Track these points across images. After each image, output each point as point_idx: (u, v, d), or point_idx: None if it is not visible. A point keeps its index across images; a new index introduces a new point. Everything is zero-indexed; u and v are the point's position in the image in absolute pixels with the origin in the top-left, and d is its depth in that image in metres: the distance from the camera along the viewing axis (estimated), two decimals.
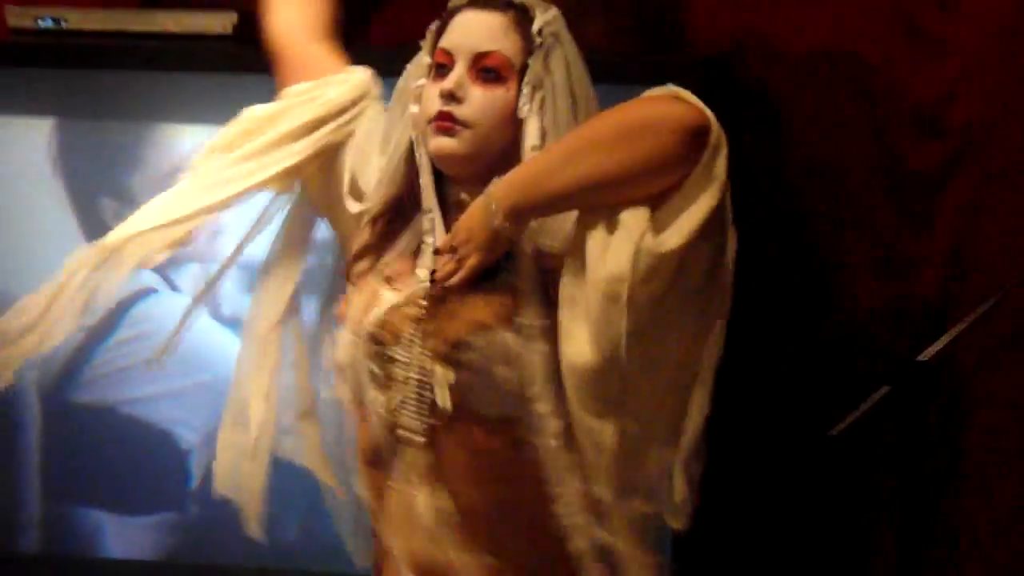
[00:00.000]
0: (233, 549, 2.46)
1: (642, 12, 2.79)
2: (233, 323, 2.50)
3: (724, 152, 1.41)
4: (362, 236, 1.58)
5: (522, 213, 1.42)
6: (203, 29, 2.48)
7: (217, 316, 2.50)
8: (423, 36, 1.64)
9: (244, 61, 2.42)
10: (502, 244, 1.42)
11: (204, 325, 2.45)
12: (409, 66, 1.60)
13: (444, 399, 1.47)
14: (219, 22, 2.46)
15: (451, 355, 1.46)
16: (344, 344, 1.54)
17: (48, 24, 2.51)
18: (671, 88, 1.45)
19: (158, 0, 2.71)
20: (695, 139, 1.40)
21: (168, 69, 2.50)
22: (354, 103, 1.65)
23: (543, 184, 1.44)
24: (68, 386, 2.57)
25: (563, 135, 1.49)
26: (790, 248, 2.83)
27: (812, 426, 2.44)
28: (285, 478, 1.70)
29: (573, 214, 1.48)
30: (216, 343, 2.49)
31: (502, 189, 1.43)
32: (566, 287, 1.45)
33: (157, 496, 2.59)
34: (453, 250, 1.43)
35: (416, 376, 1.49)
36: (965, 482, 2.79)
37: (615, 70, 2.36)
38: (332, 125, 1.66)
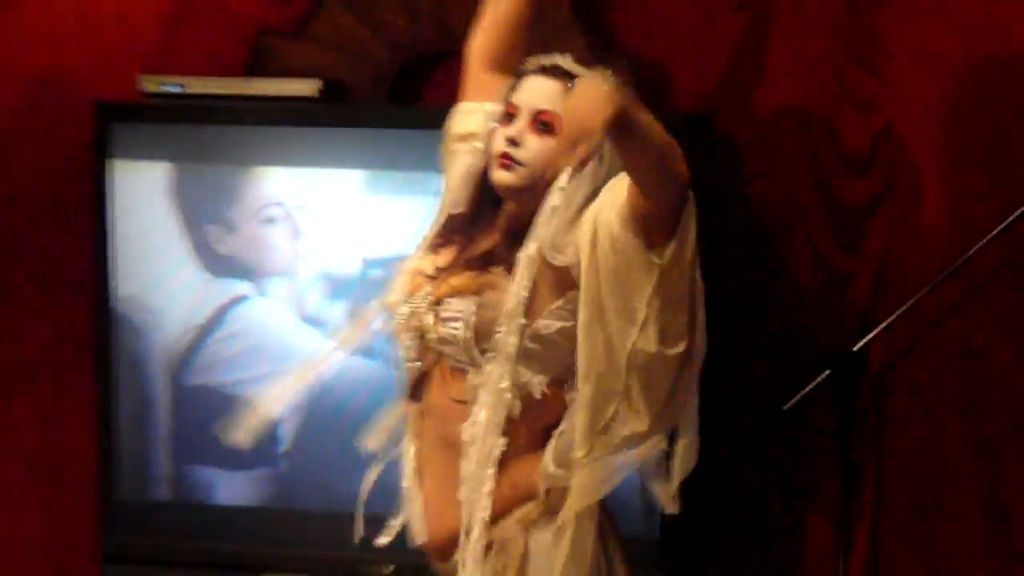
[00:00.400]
0: (314, 496, 2.78)
1: (636, 73, 2.99)
2: (312, 321, 2.77)
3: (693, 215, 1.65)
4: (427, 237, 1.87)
5: (622, 122, 1.49)
6: (294, 92, 2.73)
7: (301, 316, 2.76)
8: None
9: (327, 118, 2.78)
10: (600, 134, 1.50)
11: (289, 324, 2.80)
12: (480, 114, 1.85)
13: (410, 349, 1.81)
14: (308, 87, 2.71)
15: (435, 311, 1.75)
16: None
17: (171, 89, 2.77)
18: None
19: (258, 68, 2.88)
20: (687, 186, 1.62)
21: (265, 124, 2.77)
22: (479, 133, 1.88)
23: (638, 116, 1.53)
24: (186, 371, 2.82)
25: (588, 179, 1.71)
26: (754, 266, 2.97)
27: (772, 403, 2.65)
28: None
29: (581, 248, 1.69)
30: (298, 337, 2.78)
31: (617, 89, 1.53)
32: (584, 305, 1.66)
33: (254, 456, 2.71)
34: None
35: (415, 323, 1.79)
36: (887, 444, 2.92)
37: None
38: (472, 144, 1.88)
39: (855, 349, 2.50)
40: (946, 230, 2.76)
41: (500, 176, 1.71)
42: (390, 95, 2.93)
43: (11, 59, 3.21)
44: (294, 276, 2.82)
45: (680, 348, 1.68)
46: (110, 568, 2.83)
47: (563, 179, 1.69)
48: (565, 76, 1.73)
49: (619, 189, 1.68)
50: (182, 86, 2.74)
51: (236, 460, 2.78)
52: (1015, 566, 3.02)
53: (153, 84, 2.75)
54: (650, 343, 1.66)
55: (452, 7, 2.84)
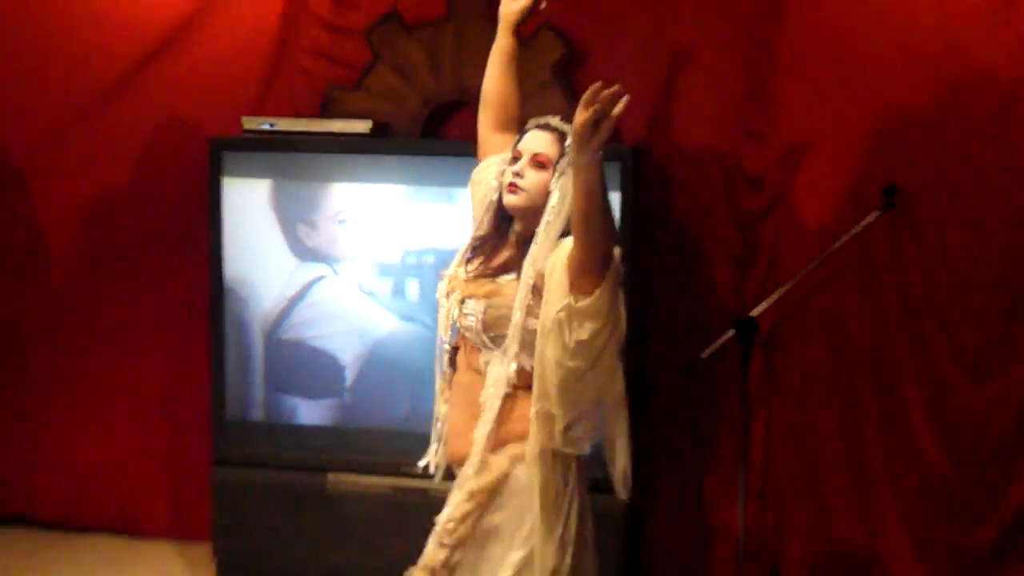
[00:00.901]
0: (368, 418, 3.18)
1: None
2: (368, 294, 3.14)
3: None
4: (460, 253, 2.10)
5: (586, 132, 1.66)
6: (353, 130, 3.11)
7: (361, 291, 3.14)
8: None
9: (376, 148, 3.14)
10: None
11: (353, 296, 3.20)
12: (497, 161, 2.07)
13: (446, 330, 2.04)
14: (362, 126, 3.10)
15: (460, 307, 2.00)
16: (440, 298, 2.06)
17: (266, 126, 3.14)
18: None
19: (327, 112, 3.26)
20: (609, 255, 1.80)
21: (333, 152, 3.15)
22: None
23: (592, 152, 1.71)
24: (278, 329, 3.23)
25: (567, 199, 1.90)
26: (680, 256, 3.35)
27: (692, 354, 3.09)
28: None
29: (557, 268, 1.87)
30: (359, 306, 3.17)
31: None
32: (545, 303, 1.85)
33: (327, 389, 3.24)
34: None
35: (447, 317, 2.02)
36: (775, 384, 3.35)
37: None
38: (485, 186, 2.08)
39: (752, 315, 2.95)
40: (816, 231, 3.18)
41: (509, 199, 1.96)
42: (421, 132, 3.33)
43: (151, 105, 3.50)
44: (356, 261, 3.17)
45: (583, 364, 1.84)
46: (220, 469, 3.20)
47: (553, 199, 1.92)
48: (555, 130, 1.98)
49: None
50: (272, 124, 3.12)
51: (313, 392, 3.23)
52: (867, 476, 3.22)
53: (252, 123, 3.15)
54: (566, 359, 1.83)
55: (466, 71, 3.15)
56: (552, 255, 1.88)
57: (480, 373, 1.99)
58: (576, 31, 3.19)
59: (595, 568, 2.12)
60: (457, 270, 2.04)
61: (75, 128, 3.59)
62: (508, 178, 1.95)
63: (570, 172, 1.84)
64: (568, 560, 1.97)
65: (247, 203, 3.19)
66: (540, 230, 1.92)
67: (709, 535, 3.36)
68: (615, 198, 2.78)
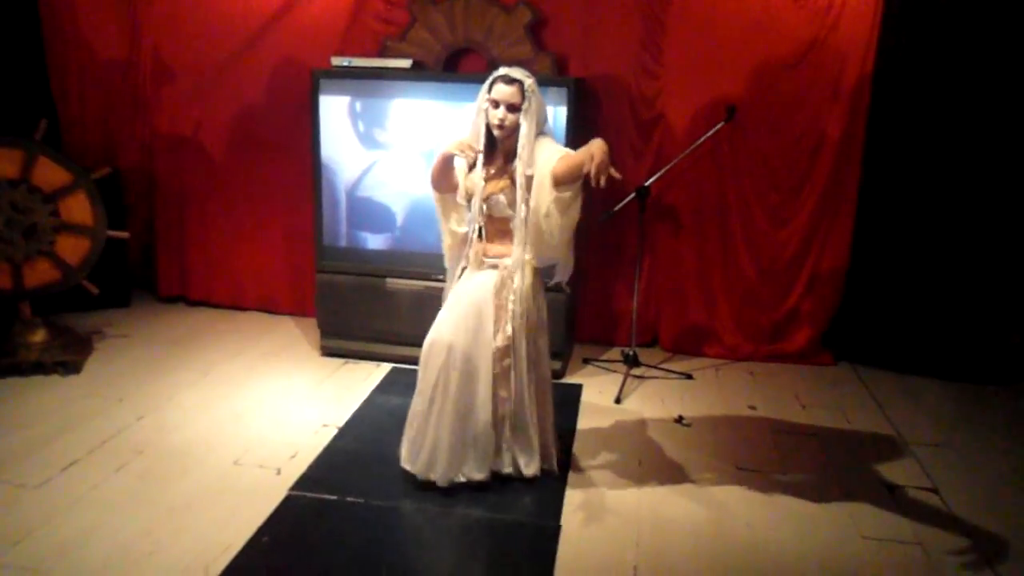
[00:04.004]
0: (411, 244, 3.74)
1: (555, 61, 3.76)
2: (409, 168, 3.62)
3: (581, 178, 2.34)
4: (470, 160, 2.59)
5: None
6: (399, 65, 3.65)
7: (404, 166, 3.62)
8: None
9: (414, 77, 3.64)
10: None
11: (400, 170, 3.65)
12: (481, 94, 2.53)
13: (480, 213, 2.55)
14: (405, 63, 3.66)
15: (487, 200, 2.55)
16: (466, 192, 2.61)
17: (346, 63, 3.68)
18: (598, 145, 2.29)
19: (384, 54, 3.82)
20: (579, 191, 2.39)
21: (388, 79, 3.63)
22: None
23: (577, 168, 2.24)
24: (355, 189, 3.78)
25: (532, 121, 2.44)
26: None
27: (609, 208, 3.67)
28: None
29: (544, 164, 2.38)
30: (404, 176, 3.68)
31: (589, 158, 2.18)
32: (534, 192, 2.38)
33: (384, 227, 3.82)
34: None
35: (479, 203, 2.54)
36: (657, 226, 3.98)
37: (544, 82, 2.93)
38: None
39: (646, 184, 3.66)
40: (685, 133, 3.82)
41: (498, 133, 2.54)
42: (443, 68, 3.92)
43: (277, 49, 4.14)
44: (401, 148, 3.72)
45: (564, 221, 2.43)
46: (320, 275, 3.83)
47: (523, 128, 2.50)
48: (517, 82, 2.52)
49: (551, 151, 2.51)
50: (350, 61, 3.72)
51: (376, 228, 3.84)
52: (710, 283, 3.93)
53: (338, 61, 3.73)
54: (549, 222, 2.43)
55: (471, 30, 3.81)
56: (535, 163, 2.47)
57: (507, 234, 2.62)
58: (541, 4, 3.86)
59: (548, 331, 2.82)
60: (480, 170, 2.61)
61: (231, 63, 4.23)
62: (494, 120, 2.56)
63: (532, 106, 2.50)
64: (543, 316, 2.72)
65: (335, 111, 3.75)
66: (521, 148, 2.54)
67: (615, 317, 4.19)
68: (563, 112, 3.37)
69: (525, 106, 2.48)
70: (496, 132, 2.54)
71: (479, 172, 2.56)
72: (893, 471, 3.05)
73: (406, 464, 2.78)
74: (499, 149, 2.61)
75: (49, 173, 3.66)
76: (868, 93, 3.77)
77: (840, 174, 3.87)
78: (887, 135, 3.81)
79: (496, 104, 2.51)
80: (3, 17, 4.16)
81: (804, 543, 2.56)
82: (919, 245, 3.85)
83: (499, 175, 2.59)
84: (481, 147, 2.55)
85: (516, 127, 2.51)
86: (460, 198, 2.65)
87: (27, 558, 2.38)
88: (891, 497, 2.87)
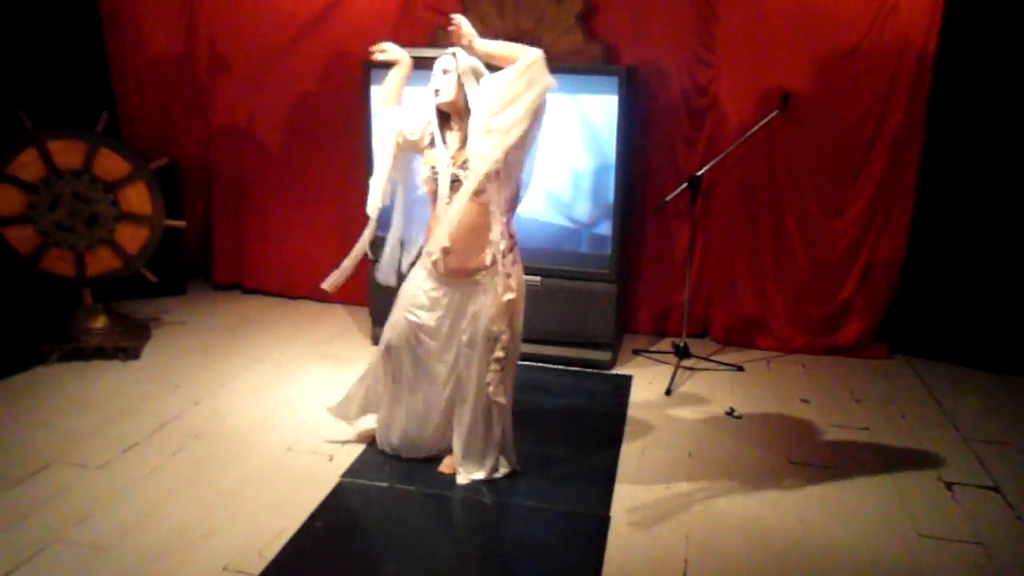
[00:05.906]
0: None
1: (605, 52, 3.75)
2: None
3: (543, 94, 2.34)
4: (424, 132, 2.58)
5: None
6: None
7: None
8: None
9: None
10: None
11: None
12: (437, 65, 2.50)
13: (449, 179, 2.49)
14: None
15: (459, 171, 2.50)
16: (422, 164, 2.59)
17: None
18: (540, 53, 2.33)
19: (436, 43, 3.82)
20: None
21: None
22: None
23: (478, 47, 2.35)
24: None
25: (470, 88, 2.44)
26: (656, 137, 3.89)
27: (662, 197, 3.68)
28: None
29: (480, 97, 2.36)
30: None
31: None
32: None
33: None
34: None
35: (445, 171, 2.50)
36: (709, 217, 3.95)
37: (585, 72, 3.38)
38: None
39: (698, 174, 3.63)
40: (738, 122, 3.82)
41: (438, 101, 2.60)
42: None
43: (330, 40, 4.18)
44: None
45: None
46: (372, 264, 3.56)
47: (464, 84, 2.51)
48: (451, 54, 2.59)
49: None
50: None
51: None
52: (761, 273, 3.91)
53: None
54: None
55: (518, 18, 3.81)
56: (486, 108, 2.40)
57: (480, 201, 2.55)
58: None
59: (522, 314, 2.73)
60: (438, 154, 2.61)
61: (284, 55, 4.29)
62: (432, 87, 2.62)
63: (464, 65, 2.55)
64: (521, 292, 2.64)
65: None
66: (469, 100, 2.54)
67: (666, 308, 4.19)
68: (613, 101, 3.38)
69: (456, 65, 2.54)
70: (437, 102, 2.56)
71: (441, 148, 2.57)
72: (950, 468, 2.99)
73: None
74: (453, 123, 2.60)
75: (110, 164, 3.76)
76: (928, 78, 3.69)
77: (898, 163, 3.80)
78: (948, 122, 3.73)
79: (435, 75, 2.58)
80: (65, 15, 4.28)
81: (858, 540, 2.53)
82: (978, 236, 3.78)
83: (463, 147, 2.60)
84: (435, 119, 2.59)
85: (454, 90, 2.54)
86: (420, 180, 2.68)
87: (89, 536, 2.46)
88: (949, 495, 2.82)
